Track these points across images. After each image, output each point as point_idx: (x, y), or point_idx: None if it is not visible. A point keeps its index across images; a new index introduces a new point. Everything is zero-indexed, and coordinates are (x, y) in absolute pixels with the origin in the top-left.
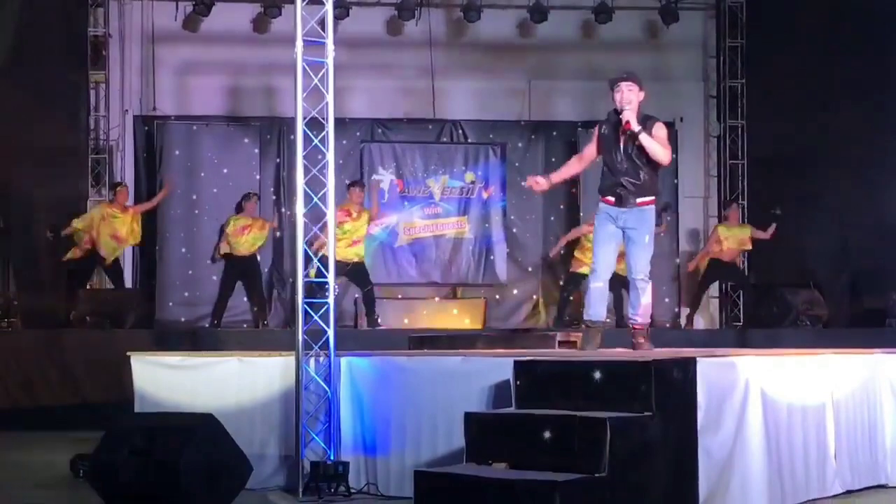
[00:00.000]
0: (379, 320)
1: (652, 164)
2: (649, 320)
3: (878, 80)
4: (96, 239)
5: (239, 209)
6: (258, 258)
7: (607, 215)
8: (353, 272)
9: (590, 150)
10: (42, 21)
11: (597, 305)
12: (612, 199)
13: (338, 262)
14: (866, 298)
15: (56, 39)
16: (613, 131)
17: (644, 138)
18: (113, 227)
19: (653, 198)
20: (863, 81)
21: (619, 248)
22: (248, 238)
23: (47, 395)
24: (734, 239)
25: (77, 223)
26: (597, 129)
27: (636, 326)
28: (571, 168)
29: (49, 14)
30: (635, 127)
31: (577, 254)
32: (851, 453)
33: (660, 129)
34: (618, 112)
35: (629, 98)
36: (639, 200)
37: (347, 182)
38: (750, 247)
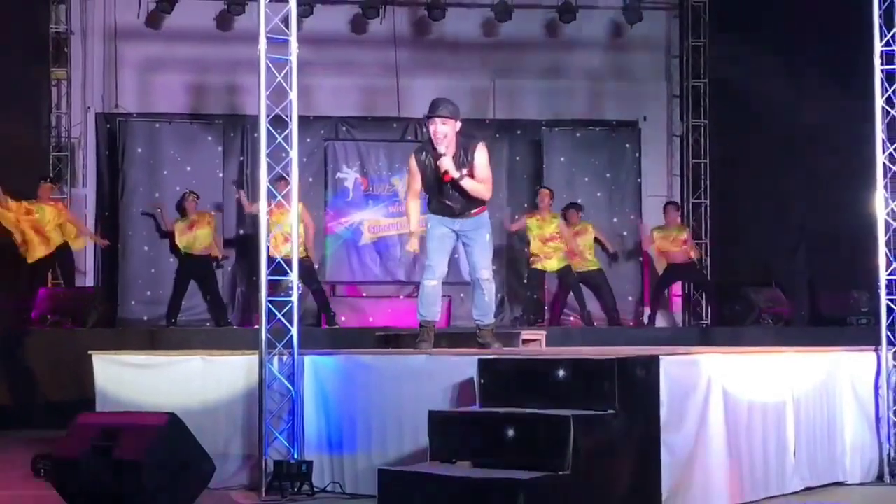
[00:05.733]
0: (335, 317)
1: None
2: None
3: (840, 81)
4: (26, 236)
5: (181, 211)
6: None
7: (442, 225)
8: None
9: (417, 184)
10: (3, 17)
11: (434, 305)
12: (445, 216)
13: (284, 260)
14: (828, 297)
15: (17, 36)
16: (434, 170)
17: (466, 182)
18: (34, 222)
19: (484, 206)
20: (825, 82)
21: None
22: (198, 235)
23: (8, 395)
24: (666, 240)
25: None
26: (413, 159)
27: (483, 327)
28: (416, 210)
29: (10, 10)
30: (455, 174)
31: (532, 248)
32: (810, 450)
33: (480, 155)
34: (434, 147)
35: (444, 132)
36: (472, 211)
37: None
38: (681, 248)
